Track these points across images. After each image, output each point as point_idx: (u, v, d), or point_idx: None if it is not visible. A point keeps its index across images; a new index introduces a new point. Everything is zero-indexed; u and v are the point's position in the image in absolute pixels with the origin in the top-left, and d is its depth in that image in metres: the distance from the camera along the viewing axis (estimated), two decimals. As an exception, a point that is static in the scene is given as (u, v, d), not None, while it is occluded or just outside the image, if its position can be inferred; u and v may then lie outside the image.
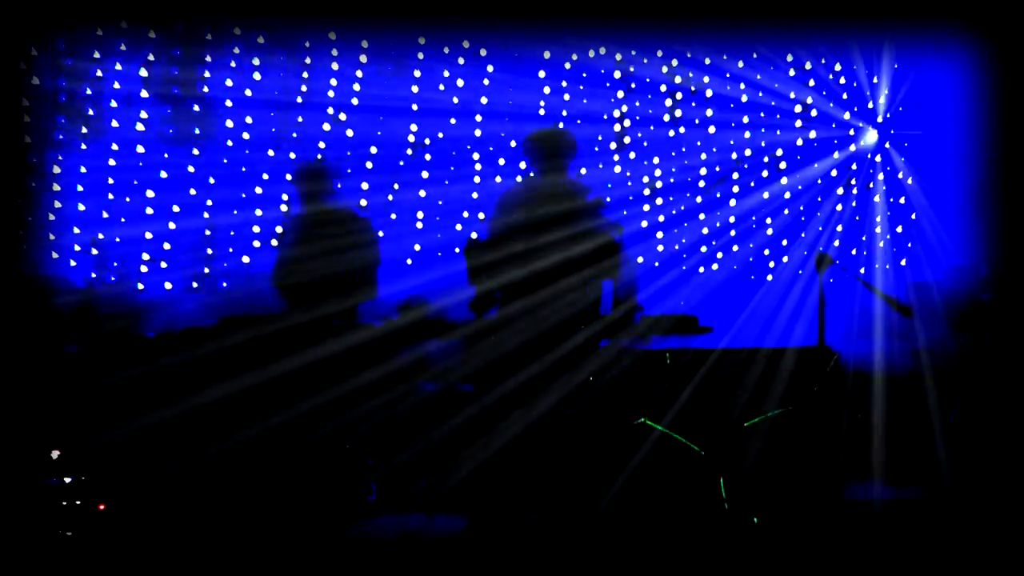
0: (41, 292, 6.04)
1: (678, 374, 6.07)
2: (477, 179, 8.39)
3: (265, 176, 8.01)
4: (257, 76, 7.99)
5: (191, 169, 7.87)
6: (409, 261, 8.17)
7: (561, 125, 8.01)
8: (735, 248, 8.98)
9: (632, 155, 8.73)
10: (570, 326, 5.63)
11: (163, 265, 7.82)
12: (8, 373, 5.50)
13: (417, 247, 8.22)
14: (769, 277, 9.04)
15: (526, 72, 8.47)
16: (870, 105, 9.08)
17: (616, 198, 8.65)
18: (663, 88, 8.79)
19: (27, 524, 5.39)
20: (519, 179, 8.17)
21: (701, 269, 8.90)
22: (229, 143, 7.94)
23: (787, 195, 9.07)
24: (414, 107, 8.29)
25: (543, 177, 5.84)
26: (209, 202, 7.88)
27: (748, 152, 9.00)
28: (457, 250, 8.12)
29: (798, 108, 9.02)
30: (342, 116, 8.14)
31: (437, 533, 5.73)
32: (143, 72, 7.75)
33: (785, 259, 9.05)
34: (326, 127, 8.11)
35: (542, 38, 8.35)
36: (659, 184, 8.80)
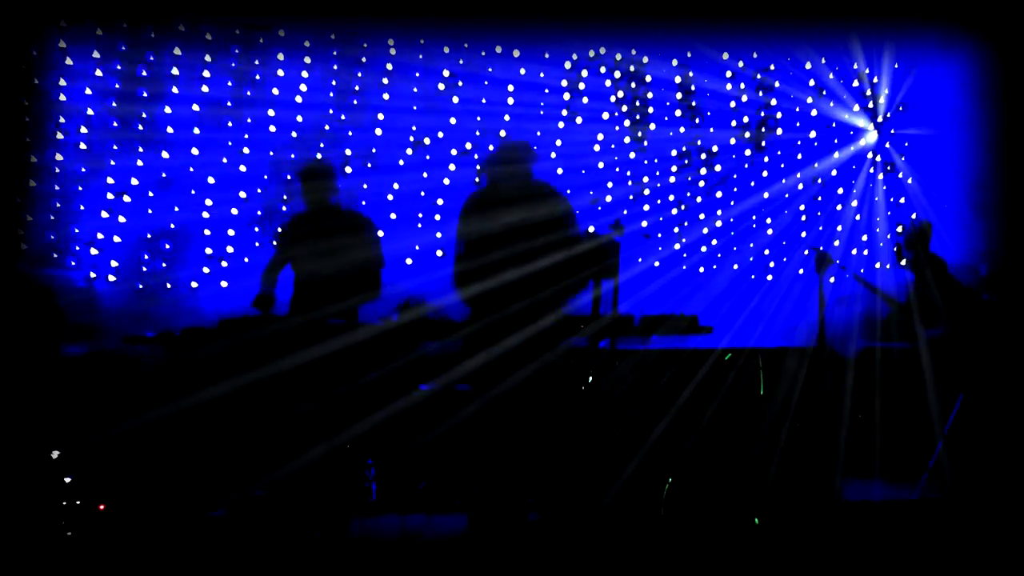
0: (41, 292, 6.03)
1: (677, 374, 6.07)
2: (476, 179, 8.39)
3: (265, 176, 8.02)
4: (257, 77, 8.00)
5: (191, 169, 7.86)
6: (409, 261, 8.17)
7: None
8: (735, 248, 8.98)
9: (632, 155, 8.74)
10: (554, 329, 5.60)
11: (163, 265, 7.82)
12: (7, 373, 5.50)
13: (417, 247, 8.23)
14: (769, 277, 9.04)
15: (527, 72, 8.47)
16: (870, 105, 9.08)
17: (616, 198, 8.65)
18: (663, 88, 8.79)
19: (28, 524, 5.39)
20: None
21: (701, 269, 8.90)
22: (229, 143, 7.94)
23: (787, 195, 9.08)
24: (414, 107, 8.30)
25: (507, 182, 5.77)
26: (209, 202, 7.88)
27: (748, 152, 9.01)
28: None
29: (798, 108, 9.02)
30: (342, 116, 8.14)
31: (437, 533, 5.73)
32: (143, 72, 7.75)
33: (785, 259, 9.05)
34: (326, 127, 8.11)
35: (542, 38, 8.36)
36: (659, 184, 8.80)
